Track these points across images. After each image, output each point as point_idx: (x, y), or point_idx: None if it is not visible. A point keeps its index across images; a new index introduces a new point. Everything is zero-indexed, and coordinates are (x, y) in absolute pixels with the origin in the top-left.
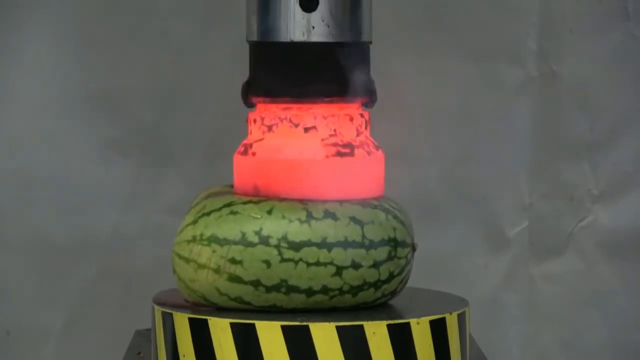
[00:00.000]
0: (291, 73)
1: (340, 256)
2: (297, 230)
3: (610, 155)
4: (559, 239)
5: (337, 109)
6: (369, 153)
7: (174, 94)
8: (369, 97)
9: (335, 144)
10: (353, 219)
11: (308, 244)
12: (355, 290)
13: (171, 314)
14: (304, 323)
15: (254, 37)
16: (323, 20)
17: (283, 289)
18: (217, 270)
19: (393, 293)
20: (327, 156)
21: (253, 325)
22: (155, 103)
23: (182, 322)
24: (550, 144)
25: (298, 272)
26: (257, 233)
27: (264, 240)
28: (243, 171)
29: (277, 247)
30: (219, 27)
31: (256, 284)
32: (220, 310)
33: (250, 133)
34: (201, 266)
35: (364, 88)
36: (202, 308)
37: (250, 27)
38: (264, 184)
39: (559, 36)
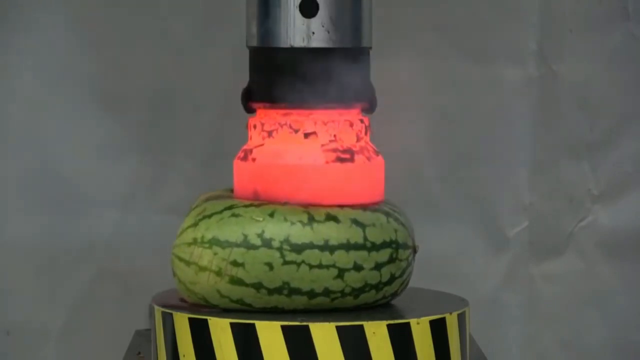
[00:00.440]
0: (291, 79)
1: (343, 258)
2: (299, 232)
3: (610, 155)
4: (559, 239)
5: (337, 115)
6: (368, 159)
7: (174, 94)
8: (369, 103)
9: (335, 150)
10: (355, 222)
11: (310, 246)
12: (356, 292)
13: (171, 314)
14: (304, 323)
15: (254, 43)
16: (323, 26)
17: (285, 291)
18: (218, 273)
19: (394, 294)
20: (327, 162)
21: (253, 325)
22: (155, 103)
23: (182, 322)
24: (550, 144)
25: (300, 274)
26: (260, 235)
27: (267, 243)
28: (243, 176)
29: (280, 249)
30: (219, 27)
31: (258, 286)
32: (221, 311)
33: (250, 138)
34: (202, 269)
35: (364, 94)
36: (202, 309)
37: (250, 33)
38: (264, 189)
39: (559, 36)
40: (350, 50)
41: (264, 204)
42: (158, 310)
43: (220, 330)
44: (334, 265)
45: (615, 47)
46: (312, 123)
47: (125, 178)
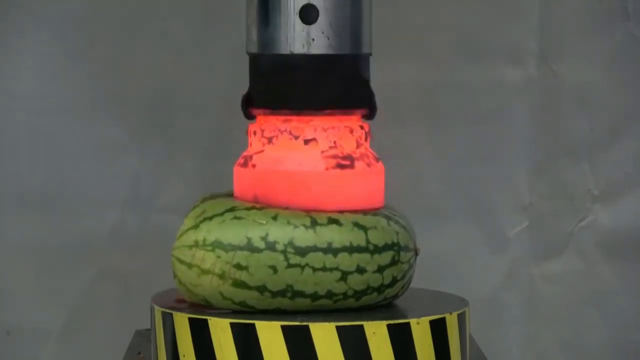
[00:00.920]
0: (291, 85)
1: (346, 261)
2: (302, 235)
3: (610, 155)
4: (559, 239)
5: (337, 121)
6: (368, 165)
7: (174, 94)
8: (369, 109)
9: (335, 156)
10: (356, 225)
11: (314, 249)
12: (359, 294)
13: (171, 314)
14: (304, 323)
15: (254, 49)
16: (323, 33)
17: (289, 294)
18: (221, 276)
19: (395, 296)
20: (327, 168)
21: (253, 325)
22: (155, 103)
23: (182, 322)
24: (550, 144)
25: (304, 277)
26: (263, 239)
27: (271, 246)
28: (243, 183)
29: (284, 252)
30: (219, 27)
31: (262, 289)
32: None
33: (250, 145)
34: (205, 272)
35: (364, 100)
36: (202, 309)
37: (250, 39)
38: (264, 195)
39: (559, 36)
40: (350, 57)
41: (266, 206)
42: (158, 310)
43: (220, 330)
44: (337, 268)
45: (615, 47)
46: (312, 129)
47: (125, 178)
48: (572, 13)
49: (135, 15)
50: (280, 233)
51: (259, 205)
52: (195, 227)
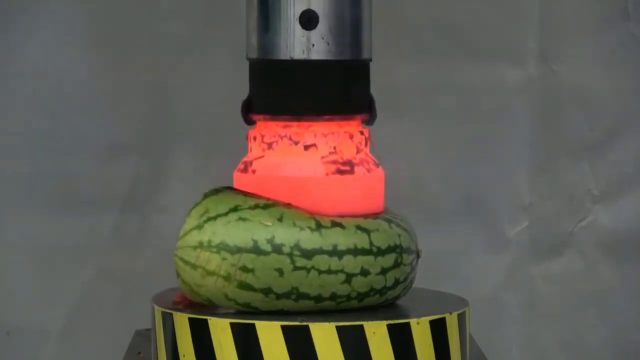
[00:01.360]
0: (291, 91)
1: (351, 264)
2: (308, 238)
3: (610, 155)
4: (559, 239)
5: (337, 127)
6: (368, 170)
7: (174, 94)
8: (369, 115)
9: (335, 162)
10: (358, 227)
11: (320, 251)
12: (361, 296)
13: (171, 314)
14: (304, 323)
15: (254, 55)
16: (323, 38)
17: (293, 296)
18: (227, 278)
19: (396, 298)
20: (327, 174)
21: (253, 325)
22: (155, 103)
23: (182, 322)
24: (550, 144)
25: (309, 280)
26: (270, 241)
27: (277, 249)
28: (243, 188)
29: (290, 255)
30: (219, 27)
31: (267, 291)
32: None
33: (250, 150)
34: (210, 273)
35: (364, 105)
36: (202, 309)
37: (250, 44)
38: None
39: (559, 36)
40: (350, 62)
41: (270, 204)
42: (158, 310)
43: (220, 330)
44: (342, 271)
45: (615, 47)
46: (312, 135)
47: (125, 178)
48: (572, 13)
49: (135, 15)
50: (286, 235)
51: (263, 204)
52: (199, 227)
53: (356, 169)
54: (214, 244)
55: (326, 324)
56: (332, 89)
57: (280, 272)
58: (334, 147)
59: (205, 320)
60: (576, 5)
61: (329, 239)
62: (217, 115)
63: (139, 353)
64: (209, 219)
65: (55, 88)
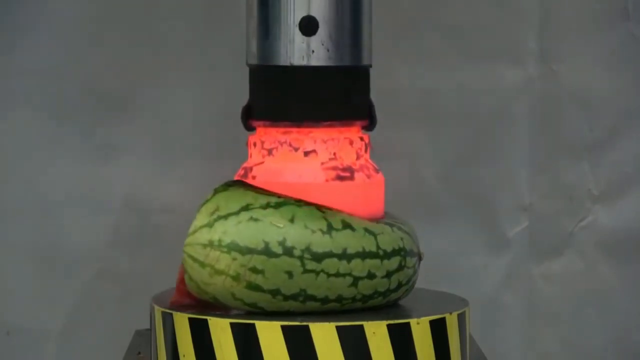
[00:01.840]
0: (291, 97)
1: (358, 267)
2: (319, 241)
3: (610, 155)
4: (559, 239)
5: (337, 133)
6: (368, 176)
7: (174, 94)
8: (369, 121)
9: (335, 168)
10: (367, 230)
11: (330, 255)
12: (366, 298)
13: (171, 314)
14: (304, 323)
15: (254, 61)
16: (323, 44)
17: (300, 298)
18: (235, 278)
19: (397, 299)
20: (327, 180)
21: (253, 325)
22: (155, 103)
23: (182, 322)
24: (550, 144)
25: (318, 282)
26: (281, 244)
27: (288, 251)
28: None
29: (301, 258)
30: (219, 27)
31: (275, 292)
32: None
33: (250, 156)
34: (218, 272)
35: (364, 111)
36: (201, 309)
37: (250, 51)
38: None
39: (559, 36)
40: (350, 69)
41: (281, 203)
42: (158, 310)
43: (220, 330)
44: (350, 274)
45: (615, 47)
46: (312, 141)
47: (125, 178)
48: (572, 13)
49: (135, 15)
50: (297, 238)
51: (274, 202)
52: (210, 225)
53: (356, 175)
54: (225, 243)
55: (326, 324)
56: (332, 95)
57: (290, 274)
58: (334, 153)
59: (205, 320)
60: (576, 5)
61: (339, 242)
62: (218, 115)
63: (139, 353)
64: (220, 218)
65: (54, 88)
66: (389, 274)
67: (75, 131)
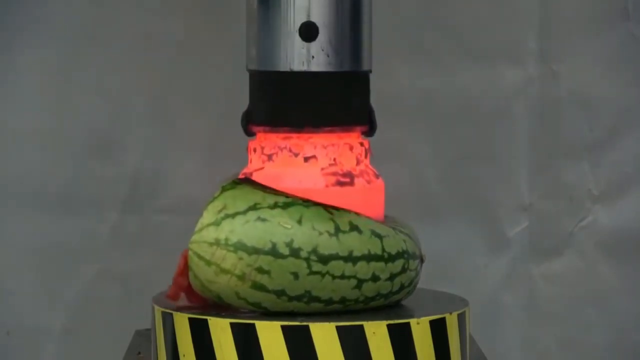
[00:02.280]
0: (291, 102)
1: (363, 269)
2: (326, 243)
3: (610, 155)
4: (559, 239)
5: (337, 138)
6: (368, 182)
7: (174, 93)
8: (369, 126)
9: (335, 173)
10: (373, 232)
11: (336, 257)
12: (368, 300)
13: (171, 314)
14: (304, 323)
15: (254, 66)
16: (323, 50)
17: (305, 299)
18: (241, 277)
19: (398, 301)
20: (327, 185)
21: (253, 325)
22: (155, 103)
23: (182, 322)
24: (550, 144)
25: (323, 284)
26: (288, 245)
27: (295, 253)
28: None
29: (307, 259)
30: (219, 27)
31: (280, 293)
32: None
33: (250, 162)
34: (224, 271)
35: (364, 117)
36: (199, 309)
37: (250, 56)
38: None
39: (559, 36)
40: (350, 74)
41: (289, 203)
42: (158, 310)
43: (220, 330)
44: (355, 276)
45: (615, 47)
46: (312, 147)
47: (125, 178)
48: (572, 13)
49: (135, 15)
50: (305, 239)
51: (282, 202)
52: (217, 224)
53: (356, 180)
54: (231, 242)
55: (326, 324)
56: (332, 101)
57: (296, 275)
58: (334, 159)
59: (205, 320)
60: (576, 5)
61: (346, 244)
62: (217, 115)
63: (139, 353)
64: (227, 216)
65: (54, 87)
66: (392, 277)
67: (75, 130)
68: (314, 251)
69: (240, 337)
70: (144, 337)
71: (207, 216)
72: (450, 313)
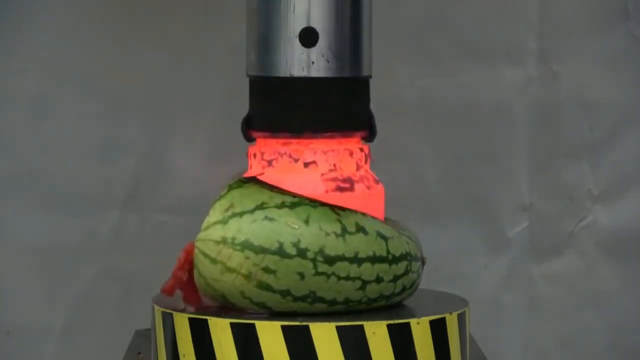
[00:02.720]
0: (291, 108)
1: (368, 271)
2: (333, 244)
3: (610, 155)
4: (559, 239)
5: (337, 144)
6: (368, 187)
7: (174, 93)
8: (369, 132)
9: (335, 179)
10: (379, 234)
11: (342, 258)
12: (371, 301)
13: (171, 314)
14: (304, 323)
15: (254, 72)
16: (323, 56)
17: (309, 299)
18: (247, 277)
19: (399, 301)
20: (327, 191)
21: (253, 325)
22: (155, 103)
23: (182, 322)
24: (550, 144)
25: (328, 285)
26: (295, 245)
27: (302, 253)
28: None
29: (314, 260)
30: (219, 27)
31: (285, 293)
32: (220, 311)
33: (251, 167)
34: (230, 270)
35: (364, 122)
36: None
37: (250, 61)
38: None
39: (559, 36)
40: (350, 80)
41: (297, 203)
42: (158, 310)
43: (220, 330)
44: (359, 278)
45: (615, 47)
46: (312, 152)
47: (125, 178)
48: (572, 13)
49: (135, 15)
50: (312, 240)
51: (290, 202)
52: (224, 222)
53: (356, 186)
54: (238, 241)
55: (326, 324)
56: (332, 106)
57: (302, 275)
58: (334, 164)
59: (205, 320)
60: (576, 5)
61: (352, 245)
62: (217, 115)
63: (139, 353)
64: (234, 215)
65: (55, 87)
66: (395, 278)
67: (75, 130)
68: (321, 252)
69: (240, 337)
70: (144, 337)
71: (214, 214)
72: (450, 313)
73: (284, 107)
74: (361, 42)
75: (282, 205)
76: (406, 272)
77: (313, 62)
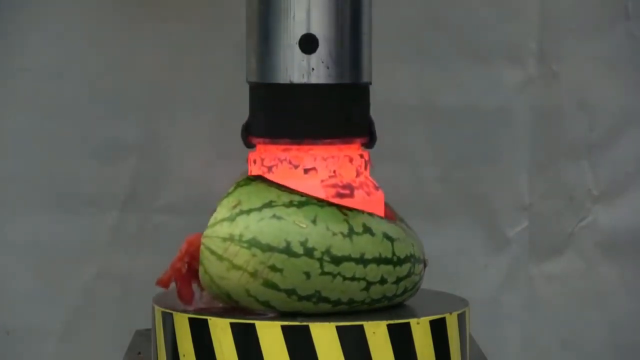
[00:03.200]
0: (290, 114)
1: (373, 272)
2: (339, 244)
3: (610, 155)
4: (559, 239)
5: (337, 150)
6: (368, 194)
7: (174, 94)
8: (369, 138)
9: (334, 185)
10: (385, 235)
11: (348, 258)
12: (373, 302)
13: (171, 314)
14: (304, 323)
15: (254, 78)
16: (323, 62)
17: (314, 299)
18: (253, 274)
19: (400, 302)
20: (326, 197)
21: (253, 325)
22: (155, 103)
23: (182, 322)
24: (550, 144)
25: (334, 285)
26: (303, 244)
27: (309, 252)
28: None
29: (320, 260)
30: (219, 27)
31: (291, 292)
32: (220, 311)
33: (251, 173)
34: (236, 267)
35: (364, 129)
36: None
37: (250, 68)
38: None
39: (559, 36)
40: (350, 86)
41: (304, 202)
42: (158, 310)
43: (220, 330)
44: (364, 279)
45: (615, 47)
46: (312, 159)
47: (125, 178)
48: (572, 13)
49: (135, 15)
50: (319, 239)
51: (297, 201)
52: (231, 219)
53: (356, 192)
54: (245, 239)
55: (326, 324)
56: (332, 113)
57: (308, 275)
58: (334, 171)
59: (205, 320)
60: (576, 5)
61: (358, 246)
62: (217, 115)
63: (139, 353)
64: (242, 212)
65: (55, 87)
66: (398, 280)
67: (75, 130)
68: (327, 252)
69: (240, 337)
70: (144, 337)
71: (221, 211)
72: (450, 313)
73: (284, 114)
74: (361, 49)
75: (290, 204)
76: (409, 274)
77: (313, 69)
